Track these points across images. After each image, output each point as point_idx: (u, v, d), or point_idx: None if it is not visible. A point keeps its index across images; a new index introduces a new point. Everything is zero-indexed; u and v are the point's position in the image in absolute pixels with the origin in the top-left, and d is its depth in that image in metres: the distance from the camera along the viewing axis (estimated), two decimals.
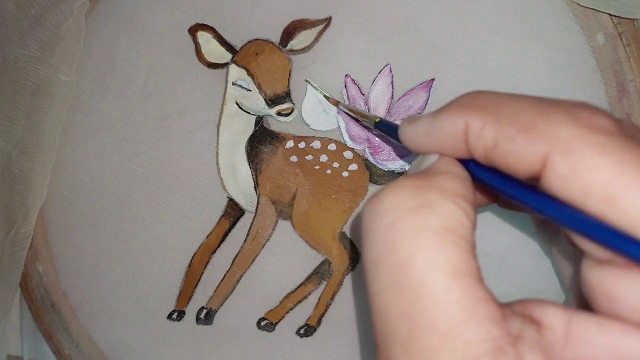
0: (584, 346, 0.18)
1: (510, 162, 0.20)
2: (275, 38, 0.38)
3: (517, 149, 0.19)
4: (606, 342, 0.18)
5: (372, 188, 0.37)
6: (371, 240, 0.20)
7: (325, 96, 0.38)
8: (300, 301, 0.38)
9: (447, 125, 0.22)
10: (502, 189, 0.21)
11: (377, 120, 0.33)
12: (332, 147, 0.37)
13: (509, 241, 0.36)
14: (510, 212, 0.35)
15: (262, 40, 0.39)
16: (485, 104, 0.21)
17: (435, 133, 0.22)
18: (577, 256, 0.27)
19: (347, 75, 0.37)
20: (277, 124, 0.39)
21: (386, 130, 0.32)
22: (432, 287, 0.18)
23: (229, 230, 0.39)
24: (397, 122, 0.37)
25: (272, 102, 0.38)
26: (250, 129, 0.39)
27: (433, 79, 0.36)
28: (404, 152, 0.37)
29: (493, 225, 0.36)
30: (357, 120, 0.37)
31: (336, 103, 0.37)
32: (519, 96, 0.21)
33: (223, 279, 0.39)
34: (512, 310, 0.20)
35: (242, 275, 0.39)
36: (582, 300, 0.25)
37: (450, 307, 0.18)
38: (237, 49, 0.39)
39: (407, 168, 0.37)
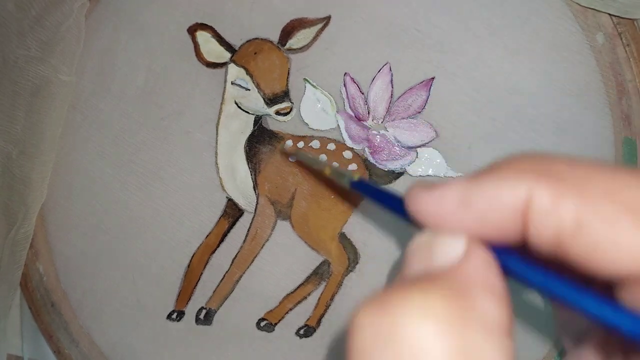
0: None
1: (603, 254, 0.15)
2: (274, 37, 0.38)
3: (620, 237, 0.14)
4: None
5: None
6: None
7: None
8: (299, 302, 0.38)
9: (499, 194, 0.16)
10: (563, 296, 0.15)
11: (355, 179, 0.27)
12: (331, 146, 0.37)
13: None
14: None
15: (261, 39, 0.39)
16: (557, 169, 0.15)
17: (479, 204, 0.16)
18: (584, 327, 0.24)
19: (346, 73, 0.37)
20: (276, 124, 0.38)
21: (370, 194, 0.26)
22: None
23: (228, 231, 0.39)
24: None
25: (270, 101, 0.38)
26: (249, 128, 0.39)
27: (433, 78, 0.36)
28: (403, 154, 0.37)
29: None
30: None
31: (294, 152, 0.37)
32: (600, 162, 0.16)
33: (222, 279, 0.39)
34: None
35: (241, 276, 0.39)
36: None
37: None
38: (236, 48, 0.39)
39: (407, 168, 0.37)
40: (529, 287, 0.16)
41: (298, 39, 0.38)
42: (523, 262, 0.16)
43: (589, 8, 0.34)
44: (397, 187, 0.37)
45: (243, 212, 0.39)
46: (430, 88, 0.36)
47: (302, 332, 0.38)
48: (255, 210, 0.39)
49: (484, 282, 0.16)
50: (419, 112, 0.36)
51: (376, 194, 0.24)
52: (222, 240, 0.39)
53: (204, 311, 0.39)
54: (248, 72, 0.38)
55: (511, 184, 0.16)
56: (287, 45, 0.38)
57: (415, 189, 0.18)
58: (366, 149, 0.37)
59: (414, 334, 0.14)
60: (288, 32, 0.38)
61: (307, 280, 0.38)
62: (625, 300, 0.15)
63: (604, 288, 0.15)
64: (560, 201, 0.15)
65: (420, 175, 0.36)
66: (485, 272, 0.16)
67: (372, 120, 0.37)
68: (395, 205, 0.20)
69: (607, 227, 0.14)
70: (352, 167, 0.37)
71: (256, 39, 0.39)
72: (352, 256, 0.37)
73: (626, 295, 0.15)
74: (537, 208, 0.15)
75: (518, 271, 0.16)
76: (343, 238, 0.37)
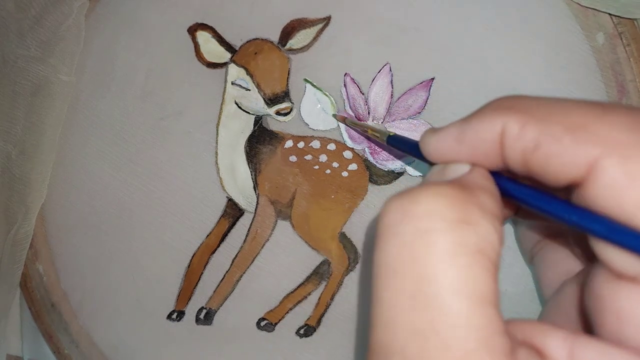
0: None
1: (552, 165, 0.19)
2: (275, 37, 0.38)
3: (563, 151, 0.18)
4: None
5: (372, 188, 0.37)
6: (393, 243, 0.19)
7: (333, 115, 0.37)
8: (300, 301, 0.38)
9: (482, 128, 0.20)
10: (536, 204, 0.20)
11: (390, 134, 0.32)
12: (331, 146, 0.37)
13: (507, 241, 0.36)
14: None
15: (261, 39, 0.39)
16: (525, 105, 0.20)
17: (469, 138, 0.21)
18: (568, 268, 0.27)
19: (346, 74, 0.37)
20: (276, 124, 0.38)
21: (400, 145, 0.31)
22: (454, 309, 0.17)
23: (228, 231, 0.39)
24: (399, 125, 0.37)
25: (271, 101, 0.38)
26: (249, 128, 0.39)
27: (433, 78, 0.36)
28: (403, 154, 0.37)
29: None
30: (367, 137, 0.37)
31: (343, 119, 0.37)
32: (563, 98, 0.20)
33: (223, 279, 0.39)
34: (517, 339, 0.19)
35: (241, 276, 0.39)
36: (567, 313, 0.24)
37: (469, 334, 0.17)
38: (237, 49, 0.39)
39: (407, 168, 0.37)
40: (516, 200, 0.21)
41: (298, 39, 0.38)
42: (509, 181, 0.21)
43: (590, 8, 0.34)
44: (397, 187, 0.37)
45: (243, 212, 0.39)
46: (430, 88, 0.36)
47: (302, 331, 0.38)
48: (256, 210, 0.39)
49: (482, 184, 0.20)
50: (419, 113, 0.36)
51: (408, 144, 0.29)
52: (222, 240, 0.39)
53: (204, 311, 0.39)
54: (248, 72, 0.38)
55: (490, 120, 0.20)
56: (288, 46, 0.38)
57: (425, 133, 0.23)
58: (366, 149, 0.37)
59: (428, 206, 0.18)
60: (288, 32, 0.38)
61: (308, 279, 0.38)
62: (582, 197, 0.18)
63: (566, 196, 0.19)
64: (524, 127, 0.19)
65: (420, 175, 0.37)
66: (483, 179, 0.21)
67: (373, 120, 0.37)
68: (418, 151, 0.24)
69: (555, 144, 0.18)
70: (352, 167, 0.37)
71: (256, 39, 0.39)
72: (352, 256, 0.37)
73: (576, 198, 0.19)
74: (509, 135, 0.19)
75: (506, 187, 0.21)
76: (343, 238, 0.37)
